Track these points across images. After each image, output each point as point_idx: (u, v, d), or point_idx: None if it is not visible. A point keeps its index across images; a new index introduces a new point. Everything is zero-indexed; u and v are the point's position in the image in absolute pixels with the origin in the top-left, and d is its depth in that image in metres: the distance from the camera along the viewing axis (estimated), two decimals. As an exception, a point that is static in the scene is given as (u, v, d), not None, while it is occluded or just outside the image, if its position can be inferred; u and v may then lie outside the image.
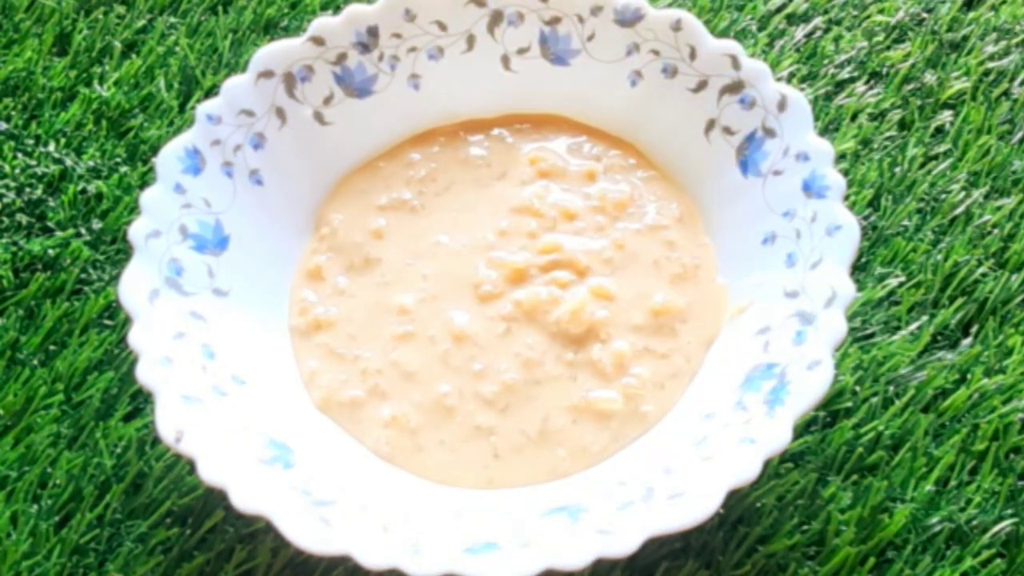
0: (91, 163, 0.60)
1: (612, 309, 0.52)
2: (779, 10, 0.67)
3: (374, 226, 0.55)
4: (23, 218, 0.58)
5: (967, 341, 0.55)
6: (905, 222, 0.58)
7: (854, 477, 0.50)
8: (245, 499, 0.43)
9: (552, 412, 0.50)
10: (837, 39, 0.66)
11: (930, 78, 0.64)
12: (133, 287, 0.49)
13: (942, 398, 0.53)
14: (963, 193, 0.59)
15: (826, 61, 0.65)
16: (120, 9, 0.67)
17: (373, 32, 0.57)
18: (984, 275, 0.57)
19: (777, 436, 0.44)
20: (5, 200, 0.58)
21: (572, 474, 0.49)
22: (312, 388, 0.51)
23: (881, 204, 0.59)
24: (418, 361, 0.52)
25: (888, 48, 0.66)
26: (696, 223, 0.55)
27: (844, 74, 0.64)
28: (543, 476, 0.49)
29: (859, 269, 0.57)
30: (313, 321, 0.53)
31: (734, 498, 0.49)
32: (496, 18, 0.57)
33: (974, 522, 0.49)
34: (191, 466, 0.45)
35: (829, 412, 0.52)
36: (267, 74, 0.55)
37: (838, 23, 0.67)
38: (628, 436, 0.49)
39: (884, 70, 0.64)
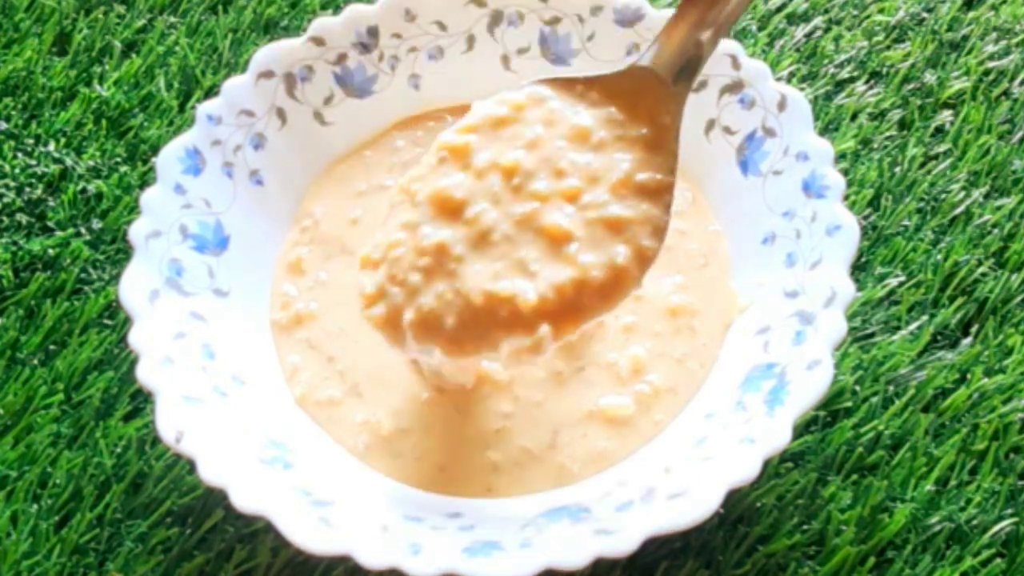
0: (91, 163, 0.60)
1: (634, 310, 0.52)
2: (779, 10, 0.67)
3: (351, 215, 0.55)
4: (23, 218, 0.58)
5: (967, 341, 0.55)
6: (905, 222, 0.58)
7: (854, 477, 0.50)
8: (245, 499, 0.43)
9: (562, 422, 0.49)
10: (837, 39, 0.66)
11: (930, 78, 0.64)
12: (133, 287, 0.49)
13: (942, 398, 0.53)
14: (963, 193, 0.59)
15: (826, 61, 0.65)
16: (120, 9, 0.67)
17: (373, 32, 0.57)
18: (984, 275, 0.57)
19: (777, 436, 0.44)
20: (5, 200, 0.58)
21: (578, 481, 0.48)
22: (294, 384, 0.51)
23: (881, 204, 0.59)
24: (398, 363, 0.51)
25: (888, 48, 0.66)
26: (706, 210, 0.55)
27: (844, 74, 0.64)
28: (549, 483, 0.48)
29: (859, 269, 0.57)
30: (294, 315, 0.52)
31: (734, 498, 0.49)
32: (496, 18, 0.57)
33: (974, 522, 0.49)
34: (191, 466, 0.45)
35: (829, 412, 0.52)
36: (267, 74, 0.55)
37: (838, 23, 0.67)
38: (639, 442, 0.49)
39: (884, 70, 0.64)
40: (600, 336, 0.51)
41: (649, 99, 0.48)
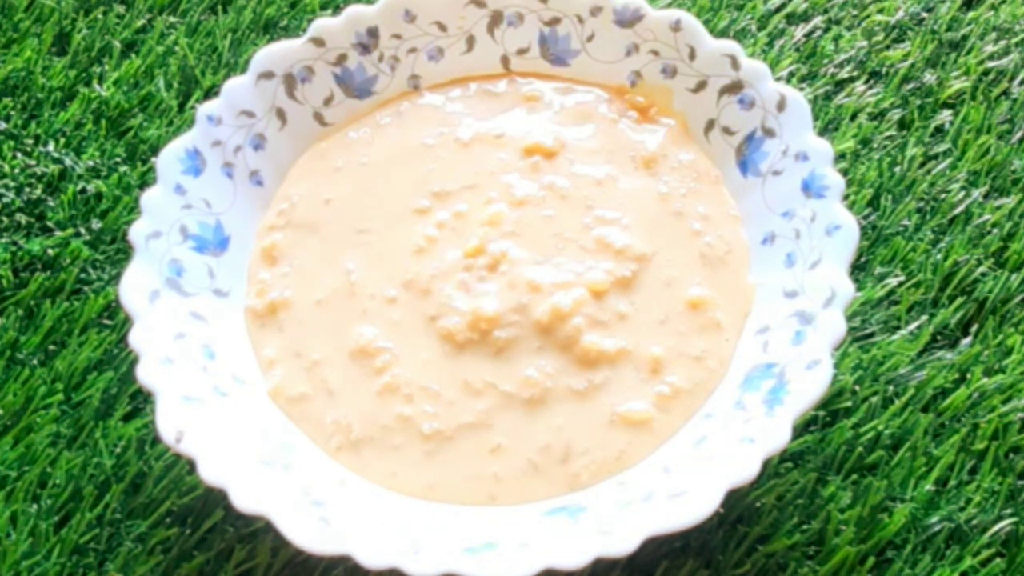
0: (91, 163, 0.60)
1: (640, 304, 0.51)
2: (779, 10, 0.67)
3: (326, 196, 0.54)
4: (23, 218, 0.58)
5: (967, 340, 0.55)
6: (905, 222, 0.58)
7: (854, 477, 0.50)
8: (245, 499, 0.43)
9: (578, 435, 0.48)
10: (837, 39, 0.66)
11: (930, 78, 0.64)
12: (133, 287, 0.49)
13: (942, 398, 0.53)
14: (963, 193, 0.59)
15: (826, 61, 0.65)
16: (120, 9, 0.67)
17: (373, 33, 0.57)
18: (984, 274, 0.57)
19: (776, 435, 0.44)
20: (5, 200, 0.58)
21: (589, 487, 0.47)
22: (268, 378, 0.50)
23: (881, 204, 0.59)
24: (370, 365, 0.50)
25: (888, 48, 0.66)
26: (726, 194, 0.54)
27: (844, 74, 0.64)
28: (558, 492, 0.47)
29: (858, 269, 0.57)
30: (268, 304, 0.52)
31: (734, 497, 0.49)
32: (496, 19, 0.57)
33: (974, 522, 0.49)
34: (191, 466, 0.45)
35: (829, 412, 0.52)
36: (267, 75, 0.55)
37: (838, 23, 0.67)
38: (655, 444, 0.48)
39: (884, 70, 0.64)
40: (620, 330, 0.51)
41: None
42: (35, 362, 0.53)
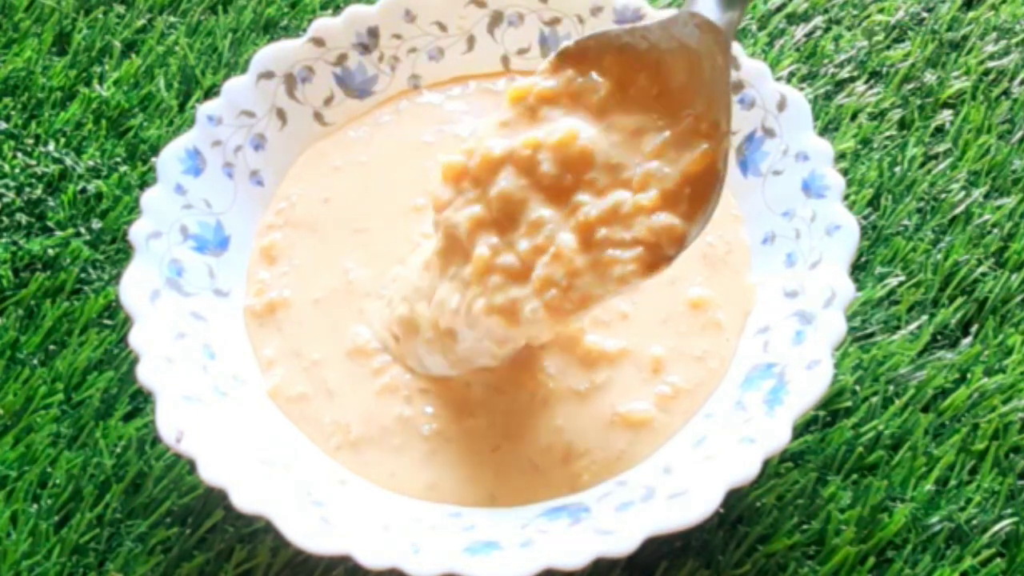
0: (91, 163, 0.60)
1: (643, 306, 0.51)
2: (779, 9, 0.67)
3: (325, 195, 0.54)
4: (23, 218, 0.58)
5: (967, 340, 0.55)
6: (905, 222, 0.58)
7: (854, 477, 0.50)
8: (245, 499, 0.43)
9: (579, 436, 0.48)
10: (837, 38, 0.66)
11: (930, 78, 0.64)
12: (134, 287, 0.49)
13: (942, 398, 0.53)
14: (963, 193, 0.59)
15: (826, 61, 0.65)
16: (120, 9, 0.67)
17: (373, 33, 0.57)
18: (984, 274, 0.57)
19: (777, 435, 0.44)
20: (5, 200, 0.58)
21: (590, 487, 0.47)
22: (268, 377, 0.50)
23: (881, 204, 0.59)
24: (374, 365, 0.50)
25: (888, 48, 0.66)
26: (727, 195, 0.53)
27: (844, 74, 0.64)
28: (560, 492, 0.47)
29: (859, 268, 0.57)
30: (268, 303, 0.52)
31: (734, 497, 0.49)
32: (496, 19, 0.57)
33: (974, 522, 0.49)
34: (191, 466, 0.45)
35: (829, 411, 0.52)
36: (268, 75, 0.55)
37: (838, 22, 0.67)
38: (657, 443, 0.48)
39: (884, 70, 0.64)
40: (621, 330, 0.50)
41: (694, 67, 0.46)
42: (35, 362, 0.53)
